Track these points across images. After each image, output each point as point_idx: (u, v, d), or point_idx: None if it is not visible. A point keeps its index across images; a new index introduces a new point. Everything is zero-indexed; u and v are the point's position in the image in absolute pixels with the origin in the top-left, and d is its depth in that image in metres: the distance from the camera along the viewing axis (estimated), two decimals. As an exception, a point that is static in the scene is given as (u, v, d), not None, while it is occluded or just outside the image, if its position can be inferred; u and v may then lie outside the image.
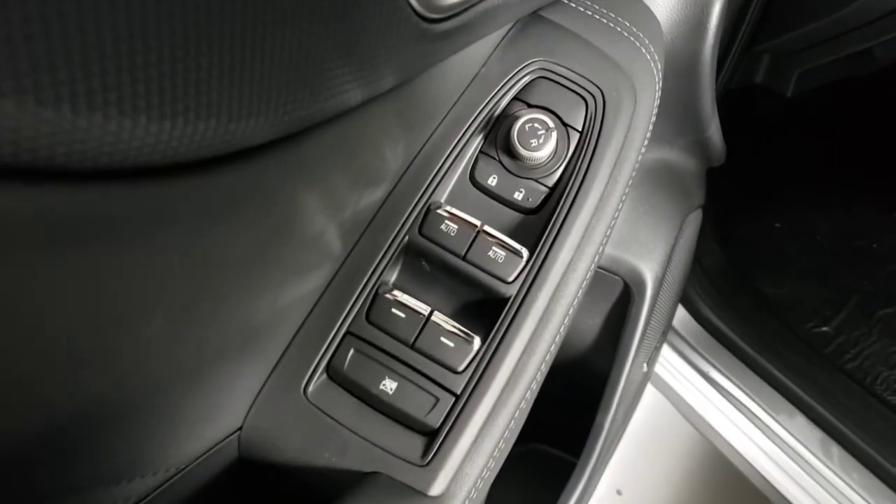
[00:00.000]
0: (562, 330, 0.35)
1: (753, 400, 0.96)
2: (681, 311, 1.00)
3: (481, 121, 0.36)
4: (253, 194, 0.24)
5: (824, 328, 1.10)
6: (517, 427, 0.34)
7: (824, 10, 0.74)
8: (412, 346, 0.34)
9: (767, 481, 0.93)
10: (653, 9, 0.41)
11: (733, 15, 0.70)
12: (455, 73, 0.35)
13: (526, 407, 0.34)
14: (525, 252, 0.35)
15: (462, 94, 0.36)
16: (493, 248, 0.34)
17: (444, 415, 0.33)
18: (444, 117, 0.36)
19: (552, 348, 0.34)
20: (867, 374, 1.05)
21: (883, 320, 1.10)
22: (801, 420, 0.93)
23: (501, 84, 0.36)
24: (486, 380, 0.33)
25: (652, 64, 0.38)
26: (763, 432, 0.95)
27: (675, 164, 0.60)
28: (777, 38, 0.79)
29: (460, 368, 0.34)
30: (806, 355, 1.02)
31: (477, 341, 0.34)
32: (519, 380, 0.33)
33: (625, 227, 0.55)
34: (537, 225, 0.36)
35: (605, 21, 0.38)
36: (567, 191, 0.36)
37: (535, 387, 0.34)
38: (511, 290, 0.35)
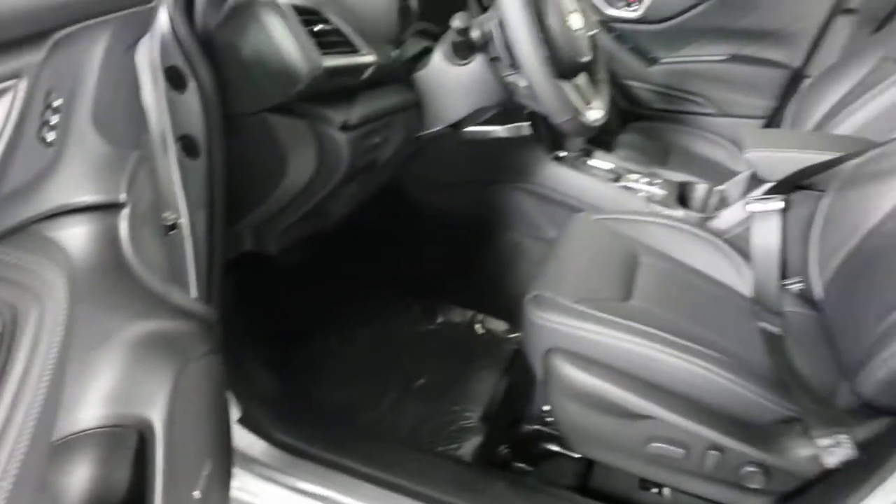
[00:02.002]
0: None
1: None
2: (261, 443, 1.15)
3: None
4: None
5: (379, 411, 1.38)
6: None
7: (269, 188, 1.02)
8: None
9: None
10: (62, 243, 0.59)
11: (206, 209, 0.92)
12: None
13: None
14: None
15: None
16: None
17: None
18: None
19: None
20: (419, 434, 1.35)
21: (419, 388, 1.44)
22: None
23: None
24: None
25: (57, 280, 0.55)
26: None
27: (164, 332, 0.77)
28: (245, 216, 1.05)
29: None
30: (369, 440, 1.27)
31: None
32: None
33: (125, 387, 0.69)
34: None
35: (13, 261, 0.54)
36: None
37: None
38: None
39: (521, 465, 1.25)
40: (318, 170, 0.98)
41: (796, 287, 1.22)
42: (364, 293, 1.64)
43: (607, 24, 2.18)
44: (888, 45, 1.67)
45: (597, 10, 2.16)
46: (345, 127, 0.96)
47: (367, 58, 1.00)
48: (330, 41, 0.93)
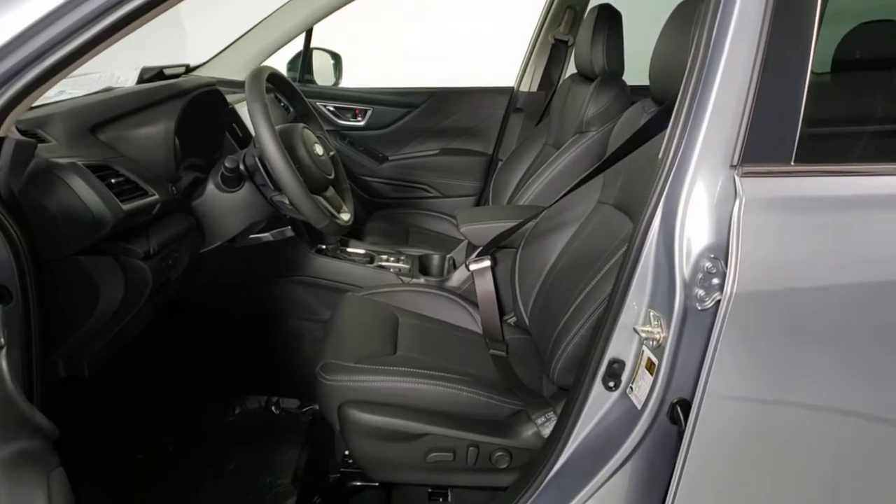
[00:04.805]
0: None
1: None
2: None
3: None
4: None
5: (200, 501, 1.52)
6: None
7: (84, 318, 1.15)
8: None
9: None
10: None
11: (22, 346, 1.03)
12: None
13: None
14: None
15: None
16: None
17: None
18: None
19: None
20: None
21: (232, 472, 1.59)
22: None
23: None
24: None
25: None
26: None
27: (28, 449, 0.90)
28: (62, 345, 1.16)
29: None
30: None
31: None
32: None
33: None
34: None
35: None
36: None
37: None
38: None
39: (334, 507, 1.49)
40: (125, 296, 1.16)
41: (512, 320, 1.67)
42: (161, 402, 1.75)
43: (341, 132, 2.60)
44: (547, 134, 2.30)
45: (331, 123, 2.57)
46: (147, 256, 1.17)
47: (154, 197, 1.22)
48: (123, 189, 1.14)
